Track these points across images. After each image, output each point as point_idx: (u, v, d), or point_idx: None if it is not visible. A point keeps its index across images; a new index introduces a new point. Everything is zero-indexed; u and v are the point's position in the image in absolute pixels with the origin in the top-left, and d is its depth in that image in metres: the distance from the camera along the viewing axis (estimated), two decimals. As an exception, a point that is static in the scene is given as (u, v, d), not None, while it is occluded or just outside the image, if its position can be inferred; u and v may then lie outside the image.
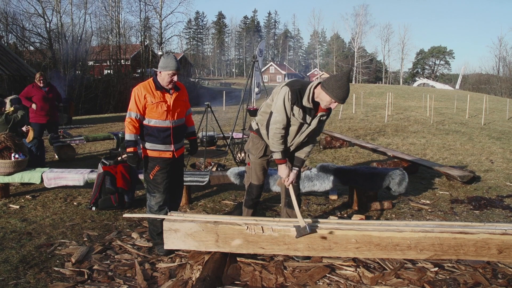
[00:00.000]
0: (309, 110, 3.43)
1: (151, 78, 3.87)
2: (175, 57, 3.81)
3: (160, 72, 3.74)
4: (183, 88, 4.03)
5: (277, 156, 3.57)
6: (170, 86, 3.78)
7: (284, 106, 3.41)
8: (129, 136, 3.79)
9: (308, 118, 3.47)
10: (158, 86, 3.77)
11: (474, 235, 3.15)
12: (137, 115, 3.75)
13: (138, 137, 3.86)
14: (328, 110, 3.49)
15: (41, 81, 7.53)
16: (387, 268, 3.45)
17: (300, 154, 3.74)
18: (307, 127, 3.52)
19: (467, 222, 3.50)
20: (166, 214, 3.80)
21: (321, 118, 3.51)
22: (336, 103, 3.30)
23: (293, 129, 3.53)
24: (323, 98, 3.31)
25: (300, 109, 3.41)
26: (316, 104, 3.42)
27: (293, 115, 3.44)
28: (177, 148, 3.95)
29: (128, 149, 3.81)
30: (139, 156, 3.88)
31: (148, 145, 3.85)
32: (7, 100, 6.48)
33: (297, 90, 3.40)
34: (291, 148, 3.70)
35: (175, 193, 4.13)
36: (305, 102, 3.38)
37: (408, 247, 3.21)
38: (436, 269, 3.44)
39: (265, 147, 3.78)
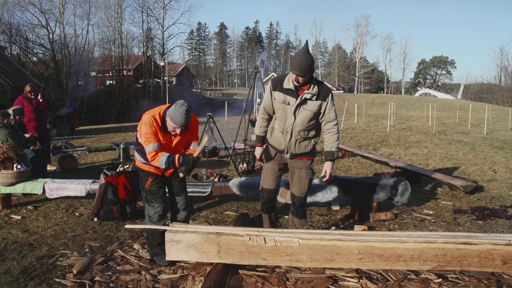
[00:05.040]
0: (291, 92, 3.75)
1: (161, 114, 3.64)
2: (188, 111, 3.51)
3: (167, 117, 3.57)
4: (193, 122, 3.82)
5: (253, 138, 4.09)
6: (173, 133, 3.67)
7: (266, 94, 3.97)
8: (163, 157, 3.57)
9: (291, 99, 3.77)
10: (164, 128, 3.64)
11: (478, 246, 3.12)
12: (158, 144, 3.59)
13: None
14: (302, 85, 3.73)
15: (32, 94, 7.57)
16: (390, 279, 3.42)
17: (327, 147, 3.92)
18: (293, 109, 3.76)
19: (470, 233, 3.48)
20: (165, 224, 3.81)
21: (306, 97, 3.73)
22: (299, 77, 3.62)
23: (280, 113, 3.85)
24: (292, 76, 3.68)
25: (281, 93, 3.80)
26: (298, 86, 3.74)
27: (275, 99, 3.85)
28: (166, 170, 3.84)
29: (175, 161, 3.60)
30: (189, 156, 3.66)
31: (140, 158, 3.84)
32: (10, 111, 6.50)
33: (277, 78, 3.92)
34: (289, 136, 3.85)
35: (175, 203, 4.06)
36: (286, 84, 3.78)
37: (411, 258, 3.19)
38: (439, 280, 3.41)
39: (275, 153, 4.03)
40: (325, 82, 4.13)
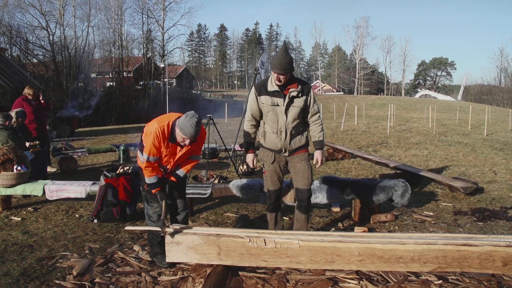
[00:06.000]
0: (278, 93, 3.90)
1: (169, 125, 3.64)
2: (198, 123, 3.51)
3: (177, 127, 3.56)
4: (201, 135, 3.80)
5: (244, 146, 4.27)
6: (182, 144, 3.69)
7: (251, 100, 4.07)
8: (154, 179, 3.72)
9: (279, 100, 3.91)
10: (172, 138, 3.65)
11: (478, 247, 3.12)
12: (157, 158, 3.68)
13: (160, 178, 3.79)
14: (286, 85, 3.89)
15: (31, 96, 7.58)
16: (391, 281, 3.42)
17: (315, 137, 4.14)
18: (283, 109, 3.91)
19: (471, 234, 3.48)
20: (164, 225, 3.84)
21: (293, 95, 3.89)
22: (280, 76, 3.77)
23: (271, 115, 3.98)
24: (274, 75, 3.84)
25: (267, 96, 3.93)
26: (282, 86, 3.89)
27: (262, 103, 3.98)
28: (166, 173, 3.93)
29: (154, 191, 3.75)
30: (166, 189, 3.86)
31: (142, 159, 3.83)
32: (13, 113, 6.50)
33: (259, 83, 4.08)
34: (284, 135, 3.99)
35: (175, 205, 4.07)
36: (269, 86, 3.92)
37: (412, 259, 3.18)
38: (440, 281, 3.41)
39: (273, 154, 4.12)
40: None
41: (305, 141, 4.14)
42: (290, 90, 3.89)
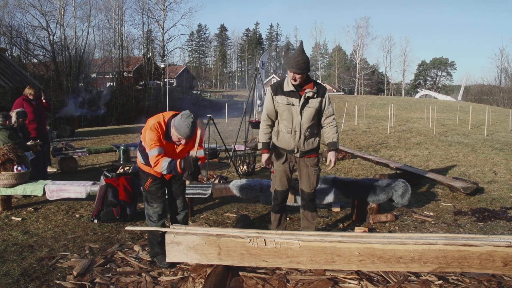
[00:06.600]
0: (293, 93, 3.96)
1: (165, 121, 3.64)
2: (194, 123, 3.50)
3: (172, 127, 3.55)
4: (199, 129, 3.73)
5: (259, 146, 4.29)
6: (177, 143, 3.67)
7: (267, 100, 4.12)
8: (165, 163, 3.52)
9: (294, 100, 3.96)
10: (168, 136, 3.63)
11: (479, 248, 3.12)
12: (161, 149, 3.57)
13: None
14: (302, 85, 3.94)
15: (32, 96, 7.57)
16: (391, 281, 3.42)
17: (328, 139, 4.15)
18: (298, 108, 3.96)
19: (471, 234, 3.48)
20: (164, 223, 3.88)
21: (308, 95, 3.95)
22: (296, 75, 3.83)
23: (286, 114, 4.02)
24: (289, 74, 3.90)
25: (283, 96, 3.98)
26: (298, 87, 3.95)
27: (278, 102, 4.02)
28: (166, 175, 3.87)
29: (178, 166, 3.51)
30: (189, 159, 3.57)
31: (141, 159, 3.84)
32: (13, 114, 6.50)
33: (276, 83, 4.13)
34: (298, 135, 4.03)
35: (175, 205, 4.09)
36: (285, 87, 3.98)
37: (412, 259, 3.18)
38: (440, 282, 3.41)
39: (285, 154, 4.15)
40: (325, 84, 4.21)
41: (317, 144, 4.18)
42: (306, 90, 3.94)
